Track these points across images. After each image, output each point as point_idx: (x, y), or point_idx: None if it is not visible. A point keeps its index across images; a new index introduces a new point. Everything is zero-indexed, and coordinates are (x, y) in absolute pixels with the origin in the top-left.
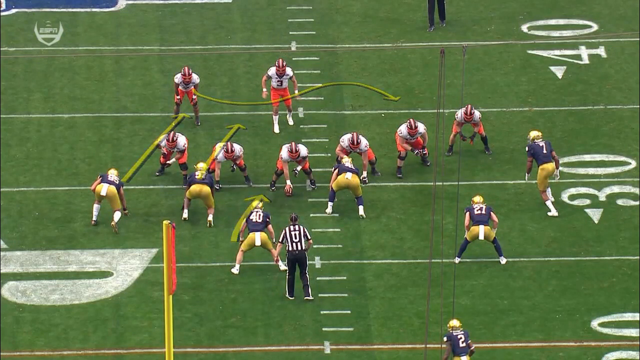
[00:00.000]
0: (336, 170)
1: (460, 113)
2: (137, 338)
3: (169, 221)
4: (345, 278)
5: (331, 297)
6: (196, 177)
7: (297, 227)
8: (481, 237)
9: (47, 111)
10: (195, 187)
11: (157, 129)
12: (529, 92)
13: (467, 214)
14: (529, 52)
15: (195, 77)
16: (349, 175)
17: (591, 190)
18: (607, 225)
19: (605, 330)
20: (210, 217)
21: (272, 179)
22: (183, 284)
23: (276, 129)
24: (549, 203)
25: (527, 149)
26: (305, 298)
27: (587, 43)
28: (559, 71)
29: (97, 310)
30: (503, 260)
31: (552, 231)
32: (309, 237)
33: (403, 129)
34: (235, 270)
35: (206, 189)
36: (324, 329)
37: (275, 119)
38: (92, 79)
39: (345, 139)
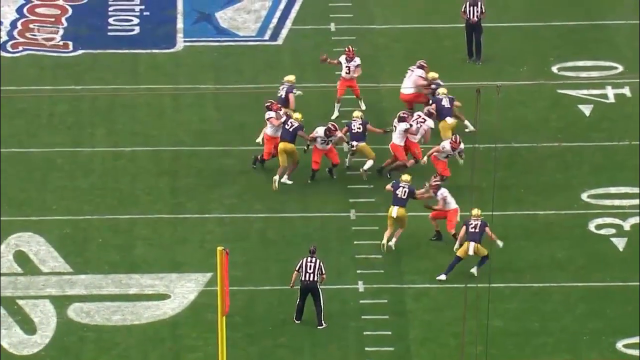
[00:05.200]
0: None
1: (447, 144)
2: (192, 356)
3: (223, 247)
4: (386, 301)
5: (373, 319)
6: (285, 126)
7: (313, 259)
8: (470, 252)
9: (110, 145)
10: (280, 145)
11: (213, 161)
12: (558, 128)
13: (464, 227)
14: (559, 91)
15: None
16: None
17: (617, 221)
18: (631, 253)
19: (629, 352)
20: (282, 179)
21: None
22: (235, 306)
23: (335, 114)
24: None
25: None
26: (318, 327)
27: (613, 83)
28: (586, 109)
29: (155, 330)
30: (474, 270)
31: (580, 258)
32: (323, 272)
33: (446, 145)
34: (385, 242)
35: (290, 146)
36: (366, 348)
37: (337, 106)
38: (152, 115)
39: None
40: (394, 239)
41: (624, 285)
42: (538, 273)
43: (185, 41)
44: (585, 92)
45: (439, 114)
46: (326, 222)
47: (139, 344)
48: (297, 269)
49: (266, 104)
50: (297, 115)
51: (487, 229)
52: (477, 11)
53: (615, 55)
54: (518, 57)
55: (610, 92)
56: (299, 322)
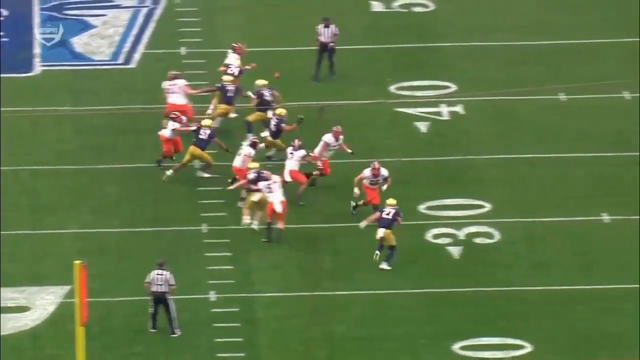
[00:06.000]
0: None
1: (367, 171)
2: None
3: (80, 261)
4: (237, 309)
5: (225, 327)
6: (199, 135)
7: (162, 271)
8: (378, 236)
9: None
10: (191, 148)
11: (71, 179)
12: (397, 145)
13: (377, 213)
14: (397, 109)
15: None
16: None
17: (452, 230)
18: (465, 261)
19: (465, 353)
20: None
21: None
22: (93, 316)
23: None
24: None
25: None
26: (172, 335)
27: (447, 102)
28: (423, 126)
29: (17, 340)
30: (385, 266)
31: (419, 266)
32: (172, 284)
33: (366, 172)
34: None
35: (199, 151)
36: (218, 354)
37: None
38: (12, 136)
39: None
40: (256, 222)
41: (459, 291)
42: (380, 281)
43: (42, 65)
44: (421, 110)
45: (224, 97)
46: (179, 235)
47: (2, 354)
48: (147, 281)
49: (171, 116)
50: (207, 122)
51: (399, 218)
52: (330, 32)
53: (449, 76)
54: (358, 77)
55: (444, 109)
56: (154, 330)
